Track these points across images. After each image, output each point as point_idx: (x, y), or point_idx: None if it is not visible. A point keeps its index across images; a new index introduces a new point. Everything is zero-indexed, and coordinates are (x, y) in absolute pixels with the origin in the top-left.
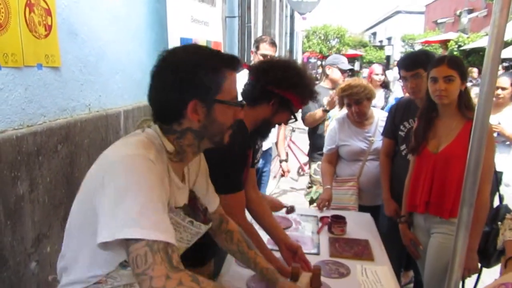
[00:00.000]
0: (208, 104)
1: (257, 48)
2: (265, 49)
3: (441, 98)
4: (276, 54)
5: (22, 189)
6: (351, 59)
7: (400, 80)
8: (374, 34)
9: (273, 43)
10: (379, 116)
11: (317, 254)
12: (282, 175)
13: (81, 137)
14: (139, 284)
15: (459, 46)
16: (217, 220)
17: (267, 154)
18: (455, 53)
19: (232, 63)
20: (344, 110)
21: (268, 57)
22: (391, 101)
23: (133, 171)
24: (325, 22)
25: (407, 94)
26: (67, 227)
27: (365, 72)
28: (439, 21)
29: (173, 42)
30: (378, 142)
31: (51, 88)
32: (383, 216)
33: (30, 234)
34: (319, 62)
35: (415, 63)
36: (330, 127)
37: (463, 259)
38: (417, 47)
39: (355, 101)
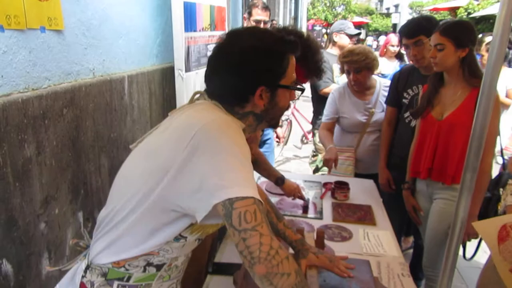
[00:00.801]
0: (273, 90)
1: (250, 14)
2: (258, 14)
3: (434, 65)
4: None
5: (30, 152)
6: (357, 27)
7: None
8: (381, 1)
9: (266, 8)
10: (381, 85)
11: (320, 218)
12: (278, 142)
13: (86, 102)
14: (245, 241)
15: (469, 13)
16: None
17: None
18: None
19: (296, 47)
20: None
21: (262, 23)
22: None
23: (229, 132)
24: None
25: (411, 62)
26: (117, 196)
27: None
28: None
29: (176, 7)
30: (378, 114)
31: (54, 52)
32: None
33: (38, 196)
34: (324, 30)
35: (416, 30)
36: (330, 96)
37: (464, 223)
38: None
39: (355, 69)
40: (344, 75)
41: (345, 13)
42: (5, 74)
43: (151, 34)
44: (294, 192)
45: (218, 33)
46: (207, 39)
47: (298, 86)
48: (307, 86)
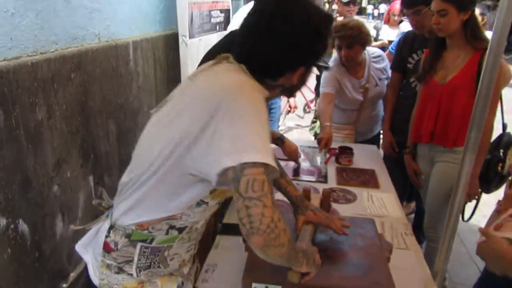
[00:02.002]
0: (308, 68)
1: None
2: None
3: (437, 31)
4: None
5: (41, 115)
6: None
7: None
8: None
9: None
10: (370, 57)
11: (325, 182)
12: (289, 111)
13: (93, 66)
14: (247, 209)
15: None
16: None
17: None
18: None
19: (330, 24)
20: None
21: None
22: None
23: (254, 97)
24: None
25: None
26: (140, 161)
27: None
28: None
29: None
30: (373, 89)
31: (61, 15)
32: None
33: (50, 159)
34: None
35: (414, 0)
36: (331, 71)
37: (467, 182)
38: None
39: (347, 44)
40: (390, 32)
41: None
42: (13, 36)
43: (154, 1)
44: (294, 153)
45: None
46: (211, 5)
47: (325, 65)
48: None
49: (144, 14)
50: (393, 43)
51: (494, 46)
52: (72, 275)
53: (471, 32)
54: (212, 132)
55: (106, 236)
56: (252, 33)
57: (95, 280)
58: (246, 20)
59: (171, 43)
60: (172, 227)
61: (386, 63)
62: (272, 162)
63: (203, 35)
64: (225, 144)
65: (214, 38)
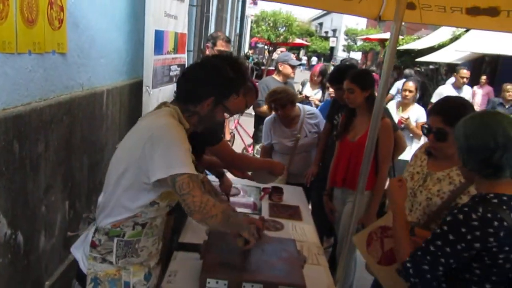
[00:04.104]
0: (217, 104)
1: (214, 44)
2: (222, 46)
3: (348, 103)
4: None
5: (41, 148)
6: (297, 48)
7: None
8: (321, 24)
9: (228, 41)
10: (305, 112)
11: (260, 214)
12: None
13: (78, 110)
14: (184, 201)
15: None
16: None
17: None
18: None
19: (240, 89)
20: None
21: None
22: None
23: (173, 131)
24: (275, 7)
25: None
26: (110, 179)
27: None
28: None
29: (149, 33)
30: (303, 139)
31: (59, 70)
32: (313, 191)
33: (43, 184)
34: (266, 47)
35: (338, 79)
36: (264, 126)
37: (360, 212)
38: (359, 42)
39: (281, 105)
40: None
41: (286, 34)
42: (29, 87)
43: (124, 55)
44: (228, 188)
45: (179, 56)
46: (170, 61)
47: (229, 111)
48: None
49: (114, 65)
50: (321, 105)
51: (375, 115)
52: (47, 283)
53: (371, 105)
54: (152, 156)
55: (92, 237)
56: (186, 76)
57: (84, 270)
58: (185, 70)
59: (134, 90)
60: (136, 223)
61: (318, 120)
62: (192, 171)
63: (162, 86)
64: (162, 163)
65: (171, 88)
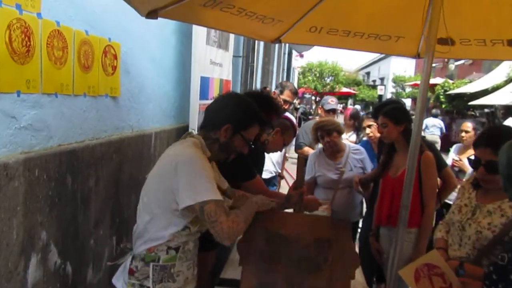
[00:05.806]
0: (235, 132)
1: (281, 92)
2: (288, 96)
3: (383, 138)
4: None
5: (91, 183)
6: (345, 96)
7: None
8: (368, 73)
9: (295, 93)
10: (350, 148)
11: None
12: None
13: (127, 150)
14: (213, 228)
15: (445, 90)
16: None
17: (271, 183)
18: (441, 97)
19: (262, 123)
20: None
21: (288, 104)
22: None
23: (197, 161)
24: (321, 58)
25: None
26: (144, 206)
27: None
28: None
29: (195, 79)
30: (348, 172)
31: (111, 111)
32: (361, 232)
33: (92, 218)
34: (313, 98)
35: (374, 115)
36: (309, 159)
37: (408, 250)
38: (408, 89)
39: (327, 132)
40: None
41: (333, 84)
42: (83, 126)
43: (172, 100)
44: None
45: None
46: None
47: (248, 141)
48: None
49: (162, 110)
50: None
51: (412, 152)
52: None
53: (408, 139)
54: (176, 183)
55: (130, 264)
56: (211, 107)
57: None
58: (212, 102)
59: (182, 133)
60: (169, 247)
61: (364, 156)
62: (217, 197)
63: None
64: (186, 189)
65: None
